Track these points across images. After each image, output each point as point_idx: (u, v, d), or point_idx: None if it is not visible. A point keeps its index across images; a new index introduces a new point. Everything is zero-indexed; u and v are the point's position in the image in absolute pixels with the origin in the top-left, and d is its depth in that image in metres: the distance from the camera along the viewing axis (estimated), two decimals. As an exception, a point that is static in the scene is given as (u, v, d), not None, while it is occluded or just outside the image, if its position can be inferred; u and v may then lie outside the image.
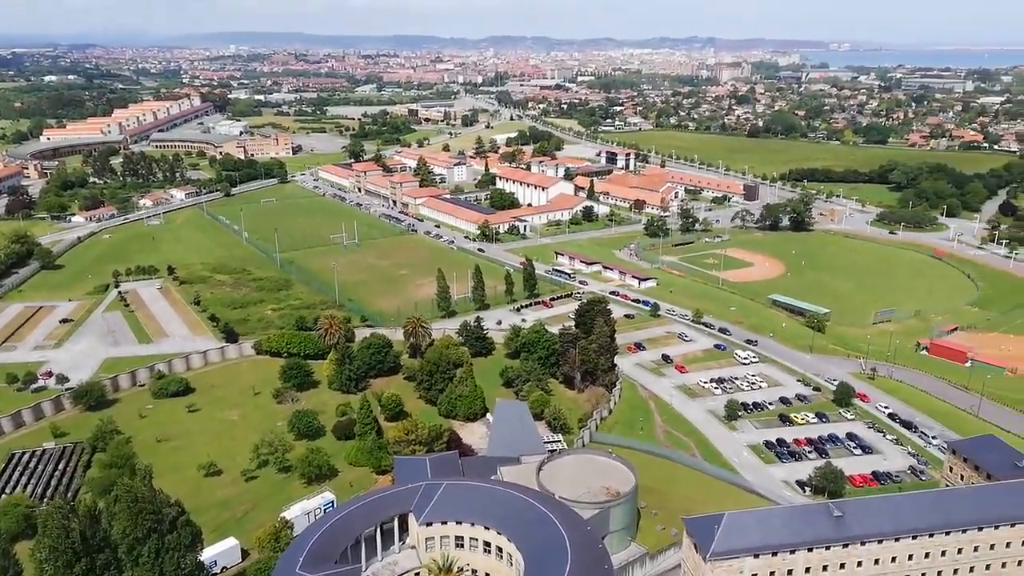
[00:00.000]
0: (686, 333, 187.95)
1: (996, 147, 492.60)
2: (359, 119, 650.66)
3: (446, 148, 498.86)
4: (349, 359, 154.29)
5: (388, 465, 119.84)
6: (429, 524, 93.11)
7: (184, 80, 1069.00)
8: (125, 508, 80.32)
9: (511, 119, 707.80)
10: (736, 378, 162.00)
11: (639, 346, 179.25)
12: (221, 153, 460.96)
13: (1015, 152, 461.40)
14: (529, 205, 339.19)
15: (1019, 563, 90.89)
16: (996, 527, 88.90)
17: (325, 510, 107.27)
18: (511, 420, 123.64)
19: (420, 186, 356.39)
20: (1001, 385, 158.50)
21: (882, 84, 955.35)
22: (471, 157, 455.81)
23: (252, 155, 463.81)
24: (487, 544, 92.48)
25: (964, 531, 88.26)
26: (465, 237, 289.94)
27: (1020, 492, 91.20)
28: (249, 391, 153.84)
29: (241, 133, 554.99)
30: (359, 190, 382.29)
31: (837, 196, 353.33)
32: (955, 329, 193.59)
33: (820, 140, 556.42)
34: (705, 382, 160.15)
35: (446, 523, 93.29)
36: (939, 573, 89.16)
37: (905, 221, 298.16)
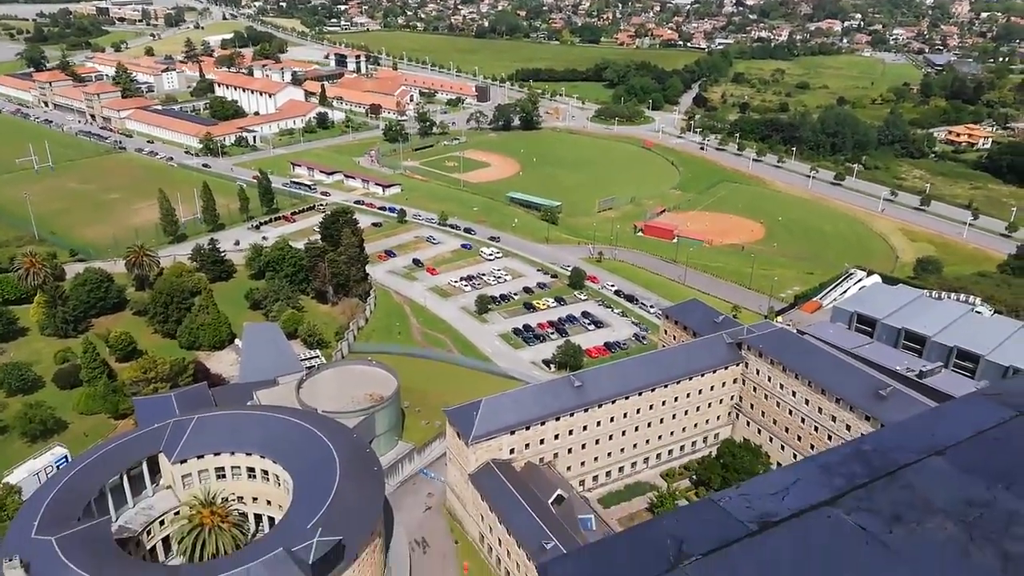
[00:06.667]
0: (434, 236, 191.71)
1: (688, 44, 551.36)
2: (34, 20, 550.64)
3: (150, 52, 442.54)
4: (62, 299, 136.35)
5: (128, 408, 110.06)
6: (183, 461, 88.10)
7: None
8: None
9: (224, 18, 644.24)
10: (483, 274, 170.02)
11: (389, 253, 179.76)
12: None
13: (704, 49, 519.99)
14: (256, 114, 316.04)
15: (720, 401, 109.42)
16: (702, 375, 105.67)
17: (58, 466, 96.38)
18: (262, 342, 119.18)
19: (123, 97, 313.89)
20: (701, 256, 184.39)
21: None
22: (181, 62, 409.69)
23: None
24: (251, 470, 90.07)
25: (678, 382, 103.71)
26: (186, 152, 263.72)
27: (717, 344, 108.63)
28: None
29: None
30: (46, 104, 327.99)
31: (560, 95, 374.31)
32: (663, 211, 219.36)
33: (542, 40, 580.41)
34: (455, 281, 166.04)
35: (202, 456, 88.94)
36: (661, 419, 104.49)
37: (619, 116, 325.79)
